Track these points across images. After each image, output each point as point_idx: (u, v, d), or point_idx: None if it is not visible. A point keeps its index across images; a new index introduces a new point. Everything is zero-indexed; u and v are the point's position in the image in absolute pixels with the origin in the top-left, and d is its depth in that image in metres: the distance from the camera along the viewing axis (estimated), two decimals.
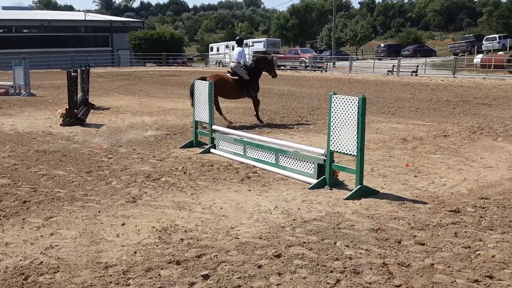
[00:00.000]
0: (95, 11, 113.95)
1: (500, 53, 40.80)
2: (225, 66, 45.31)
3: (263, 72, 12.25)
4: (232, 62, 12.66)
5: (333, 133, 6.28)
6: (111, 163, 7.94)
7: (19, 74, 19.11)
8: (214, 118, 8.86)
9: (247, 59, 13.33)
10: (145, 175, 7.15)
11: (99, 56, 49.58)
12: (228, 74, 12.06)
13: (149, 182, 6.79)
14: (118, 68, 41.86)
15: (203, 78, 10.27)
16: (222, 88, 11.29)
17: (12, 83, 19.36)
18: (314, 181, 6.59)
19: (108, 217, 5.35)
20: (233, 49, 48.77)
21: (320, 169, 6.63)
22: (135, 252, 4.40)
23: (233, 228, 5.05)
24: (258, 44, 47.41)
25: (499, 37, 51.42)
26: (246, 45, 47.51)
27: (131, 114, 13.60)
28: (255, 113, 12.11)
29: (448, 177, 7.02)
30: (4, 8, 74.05)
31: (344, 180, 6.68)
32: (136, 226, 5.07)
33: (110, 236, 4.80)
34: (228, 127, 10.50)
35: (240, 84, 11.82)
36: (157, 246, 4.56)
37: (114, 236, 4.82)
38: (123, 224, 5.12)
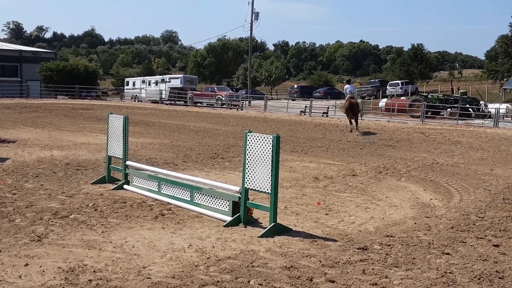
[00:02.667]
0: (4, 40, 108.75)
1: (402, 98, 43.72)
2: (141, 101, 44.72)
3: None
4: (350, 94, 20.64)
5: (248, 171, 6.38)
6: (16, 199, 7.50)
7: None
8: (128, 153, 8.68)
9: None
10: (53, 212, 6.82)
11: (7, 87, 47.05)
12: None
13: (56, 219, 6.49)
14: (27, 99, 39.93)
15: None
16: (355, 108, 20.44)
17: None
18: (229, 218, 6.62)
19: (10, 257, 5.03)
20: (149, 84, 48.38)
21: (235, 206, 6.68)
22: None
23: (145, 267, 4.93)
24: (175, 80, 47.23)
25: (402, 83, 55.24)
26: (163, 80, 47.31)
27: (39, 148, 12.99)
28: (356, 126, 19.97)
29: (356, 215, 7.32)
30: None
31: (258, 218, 6.77)
32: (40, 266, 4.80)
33: (11, 278, 4.51)
34: (144, 163, 10.32)
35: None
36: None
37: (16, 277, 4.53)
38: (26, 265, 4.83)
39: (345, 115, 21.22)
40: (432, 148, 15.70)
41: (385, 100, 35.63)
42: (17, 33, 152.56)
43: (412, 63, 65.58)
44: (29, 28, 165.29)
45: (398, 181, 10.11)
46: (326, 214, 7.35)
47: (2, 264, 4.83)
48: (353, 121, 20.25)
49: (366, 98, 47.94)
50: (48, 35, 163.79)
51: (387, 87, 54.27)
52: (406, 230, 6.60)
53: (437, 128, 22.39)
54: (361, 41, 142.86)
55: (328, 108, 30.84)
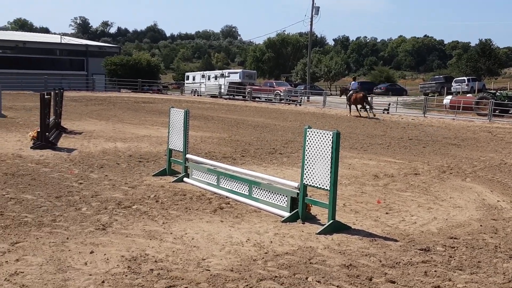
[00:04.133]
0: (71, 35, 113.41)
1: (468, 95, 42.06)
2: (200, 95, 45.45)
3: None
4: (355, 89, 27.18)
5: (307, 167, 6.33)
6: (82, 188, 7.80)
7: None
8: (188, 147, 8.83)
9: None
10: (116, 202, 7.04)
11: (74, 80, 49.13)
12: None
13: (120, 209, 6.69)
14: (92, 92, 41.53)
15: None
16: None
17: None
18: (286, 214, 6.60)
19: (77, 244, 5.23)
20: (209, 79, 49.08)
21: (293, 202, 6.65)
22: (103, 282, 4.30)
23: (204, 259, 4.99)
24: (234, 75, 47.68)
25: (468, 79, 53.06)
26: (222, 75, 47.85)
27: (104, 140, 13.45)
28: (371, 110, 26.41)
29: (418, 215, 7.11)
30: None
31: (316, 215, 6.70)
32: (105, 254, 4.97)
33: (77, 264, 4.69)
34: (203, 156, 10.47)
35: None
36: (126, 276, 4.46)
37: (82, 264, 4.70)
38: (91, 252, 5.01)
39: (354, 105, 26.76)
40: (500, 148, 15.03)
41: (450, 97, 34.35)
42: (83, 28, 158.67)
43: (479, 59, 62.84)
44: (95, 23, 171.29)
45: (463, 181, 9.74)
46: (387, 213, 7.19)
47: (69, 250, 5.03)
48: (360, 109, 26.63)
49: (429, 95, 46.53)
50: (112, 30, 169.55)
51: (452, 84, 52.26)
52: (471, 232, 6.35)
53: (506, 127, 21.41)
54: (425, 36, 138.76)
55: (389, 104, 30.13)
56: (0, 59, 54.16)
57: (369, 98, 28.34)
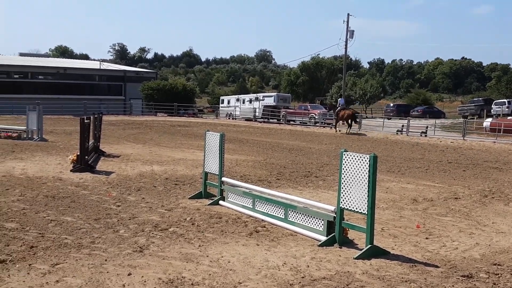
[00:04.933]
0: (110, 61, 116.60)
1: (509, 117, 40.98)
2: (235, 118, 45.80)
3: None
4: (342, 105, 30.29)
5: (344, 191, 6.25)
6: (120, 211, 7.91)
7: (32, 119, 19.39)
8: (223, 170, 8.87)
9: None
10: (153, 224, 7.10)
11: (112, 104, 50.38)
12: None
13: (156, 232, 6.74)
14: (129, 116, 42.42)
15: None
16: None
17: (25, 127, 19.61)
18: (323, 238, 6.51)
19: (115, 266, 5.28)
20: (243, 102, 49.50)
21: (330, 226, 6.56)
22: None
23: (241, 283, 4.96)
24: (268, 99, 47.94)
25: (509, 101, 51.71)
26: (257, 99, 48.16)
27: (141, 163, 13.66)
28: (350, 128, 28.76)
29: (459, 241, 6.91)
30: (22, 54, 76.15)
31: (353, 239, 6.59)
32: (142, 277, 4.99)
33: (116, 286, 4.72)
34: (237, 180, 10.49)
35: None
36: None
37: (120, 286, 4.74)
38: (129, 274, 5.04)
39: (340, 121, 30.15)
40: None
41: (490, 119, 33.56)
42: (121, 54, 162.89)
43: None
44: (132, 49, 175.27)
45: (506, 206, 9.43)
46: (426, 238, 7.01)
47: (107, 272, 5.08)
48: (339, 124, 30.48)
49: (468, 118, 45.58)
50: (149, 56, 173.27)
51: (492, 106, 51.01)
52: None
53: None
54: (462, 58, 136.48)
55: (427, 127, 29.66)
56: (42, 85, 56.07)
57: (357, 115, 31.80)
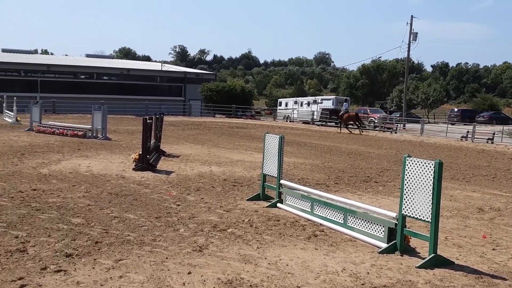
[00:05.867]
0: (171, 62, 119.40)
1: None
2: (293, 121, 45.71)
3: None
4: (346, 109, 33.15)
5: (406, 197, 6.07)
6: (179, 210, 8.05)
7: (97, 119, 20.10)
8: (282, 172, 8.84)
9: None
10: (212, 225, 7.18)
11: (172, 105, 51.57)
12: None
13: (215, 232, 6.80)
14: (189, 117, 43.22)
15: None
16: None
17: (90, 126, 20.37)
18: (384, 245, 6.35)
19: (175, 264, 5.37)
20: (301, 105, 49.36)
21: (391, 233, 6.39)
22: None
23: (299, 287, 4.91)
24: (326, 102, 47.57)
25: None
26: (315, 101, 47.88)
27: (199, 163, 13.86)
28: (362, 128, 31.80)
29: None
30: (88, 56, 79.45)
31: (416, 247, 6.40)
32: (202, 276, 5.05)
33: (176, 284, 4.80)
34: (296, 182, 10.44)
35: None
36: None
37: (180, 284, 4.81)
38: (189, 273, 5.11)
39: (346, 122, 32.95)
40: None
41: None
42: (182, 56, 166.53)
43: None
44: (192, 51, 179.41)
45: None
46: (493, 249, 6.69)
47: (168, 270, 5.17)
48: (352, 127, 33.35)
49: None
50: (209, 57, 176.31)
51: None
52: None
53: None
54: None
55: (493, 134, 28.45)
56: (106, 85, 58.24)
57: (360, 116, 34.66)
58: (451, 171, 14.67)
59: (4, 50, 67.53)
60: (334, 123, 41.55)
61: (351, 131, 32.70)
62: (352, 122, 33.06)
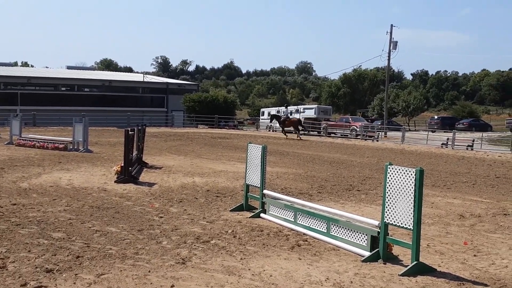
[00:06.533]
0: (153, 73, 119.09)
1: None
2: (275, 130, 45.82)
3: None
4: (286, 114, 36.13)
5: (388, 205, 6.12)
6: (162, 222, 7.99)
7: (78, 131, 19.86)
8: (265, 182, 8.84)
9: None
10: (195, 236, 7.14)
11: (154, 116, 51.34)
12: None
13: (198, 244, 6.77)
14: (171, 128, 43.07)
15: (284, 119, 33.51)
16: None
17: (71, 139, 20.15)
18: (367, 253, 6.38)
19: (158, 277, 5.32)
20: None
21: (374, 241, 6.42)
22: None
23: None
24: (309, 111, 47.83)
25: None
26: (297, 111, 48.08)
27: (182, 175, 13.80)
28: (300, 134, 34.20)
29: (510, 259, 6.63)
30: (69, 67, 78.85)
31: (398, 255, 6.43)
32: None
33: None
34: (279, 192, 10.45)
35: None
36: None
37: None
38: (172, 286, 5.07)
39: (289, 127, 35.11)
40: None
41: None
42: (164, 66, 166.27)
43: None
44: (174, 62, 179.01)
45: None
46: (474, 255, 6.77)
47: (151, 284, 5.12)
48: (295, 131, 35.13)
49: None
50: (191, 68, 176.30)
51: None
52: None
53: None
54: (510, 69, 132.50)
55: (473, 140, 28.85)
56: (88, 97, 57.80)
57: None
58: (432, 178, 14.82)
59: None
60: (316, 132, 41.78)
61: (287, 136, 34.63)
62: (294, 128, 35.03)
